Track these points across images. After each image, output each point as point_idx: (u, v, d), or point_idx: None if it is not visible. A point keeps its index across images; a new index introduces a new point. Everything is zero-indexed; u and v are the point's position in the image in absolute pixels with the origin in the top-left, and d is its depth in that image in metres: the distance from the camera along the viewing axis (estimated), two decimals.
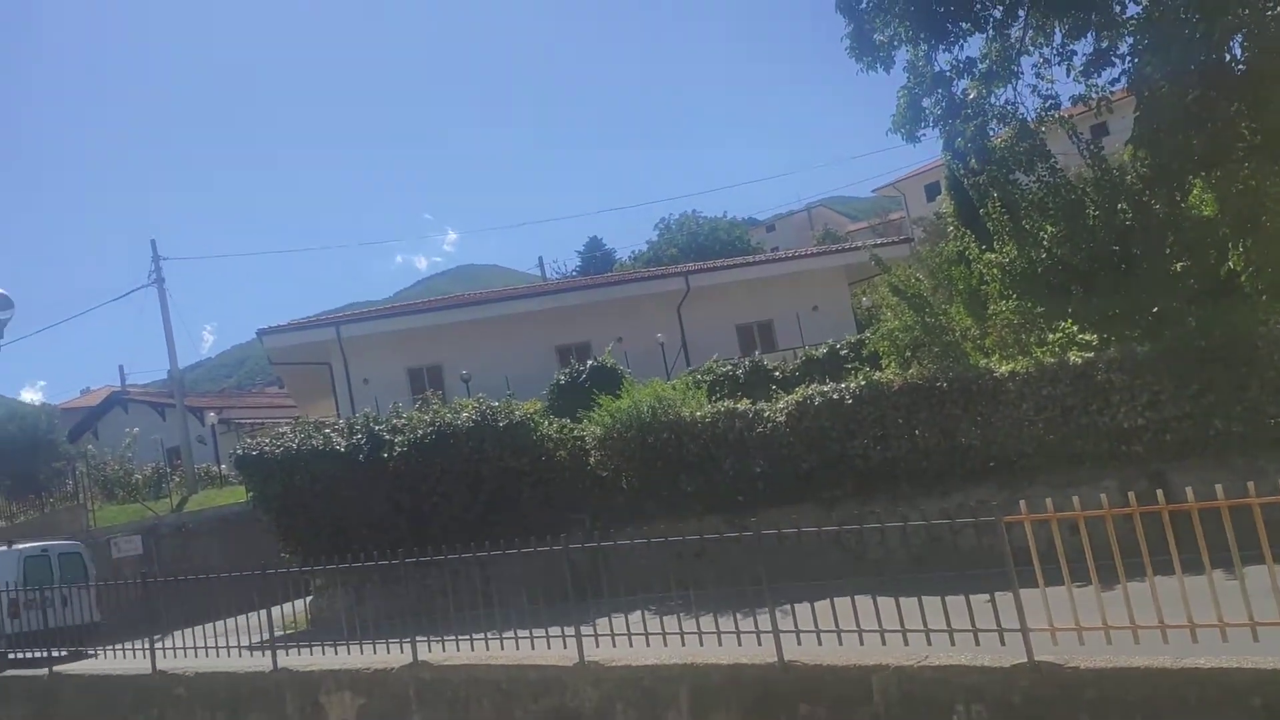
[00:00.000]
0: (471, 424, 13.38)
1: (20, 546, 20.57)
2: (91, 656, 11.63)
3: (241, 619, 10.11)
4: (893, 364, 12.81)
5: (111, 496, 28.54)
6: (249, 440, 15.26)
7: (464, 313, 28.65)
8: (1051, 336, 11.64)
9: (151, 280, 31.62)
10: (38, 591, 13.35)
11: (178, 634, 10.44)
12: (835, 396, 11.99)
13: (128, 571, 18.60)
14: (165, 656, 10.23)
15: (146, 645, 10.30)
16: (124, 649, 10.79)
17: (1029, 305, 12.12)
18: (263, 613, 9.96)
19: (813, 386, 12.49)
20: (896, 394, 11.70)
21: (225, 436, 40.37)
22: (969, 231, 13.54)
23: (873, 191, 66.66)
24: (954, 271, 13.27)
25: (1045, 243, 12.48)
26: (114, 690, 10.42)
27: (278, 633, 10.02)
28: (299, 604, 13.39)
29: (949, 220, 14.50)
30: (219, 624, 10.23)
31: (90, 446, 38.35)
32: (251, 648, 9.88)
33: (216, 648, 9.99)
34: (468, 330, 27.42)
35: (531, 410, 14.18)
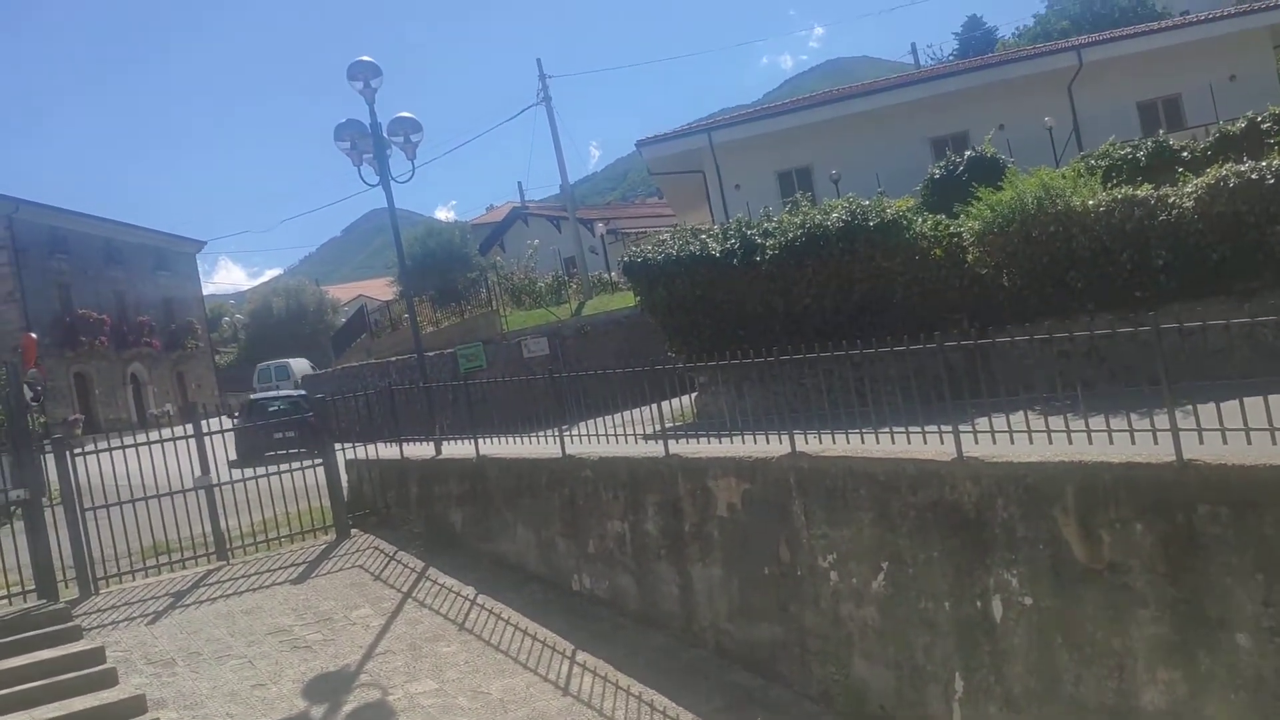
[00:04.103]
0: (841, 224, 13.25)
1: None
2: None
3: (634, 412, 10.97)
4: None
5: (519, 303, 31.51)
6: (634, 248, 16.16)
7: (831, 109, 28.02)
8: None
9: (540, 99, 33.53)
10: None
11: (580, 424, 11.60)
12: (1254, 176, 10.62)
13: (537, 369, 20.73)
14: (572, 443, 11.41)
15: (556, 433, 11.54)
16: (537, 436, 12.14)
17: None
18: (653, 406, 10.78)
19: (1227, 166, 11.11)
20: None
21: (613, 246, 42.99)
22: None
23: None
24: None
25: None
26: (531, 471, 11.82)
27: (667, 425, 10.84)
28: (684, 399, 14.29)
29: None
30: (615, 416, 11.18)
31: (498, 258, 42.43)
32: (645, 437, 10.74)
33: (615, 435, 10.98)
34: (836, 128, 26.87)
35: (904, 208, 13.78)
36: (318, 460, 13.99)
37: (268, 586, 11.91)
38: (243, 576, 12.36)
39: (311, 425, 14.91)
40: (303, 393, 26.79)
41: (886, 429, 8.28)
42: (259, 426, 19.69)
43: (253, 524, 13.85)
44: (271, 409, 23.50)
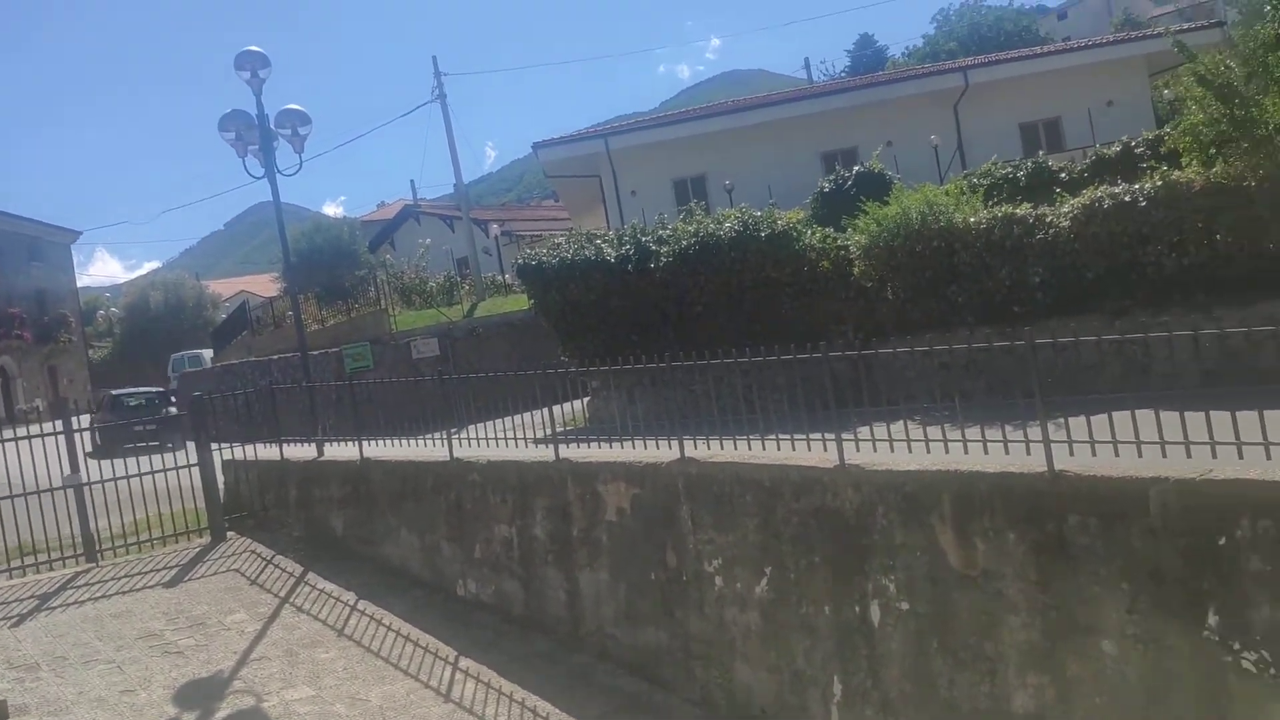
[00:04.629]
0: (733, 234, 13.42)
1: None
2: None
3: (525, 416, 10.89)
4: (1194, 162, 11.65)
5: (409, 303, 30.97)
6: (529, 251, 16.08)
7: (726, 120, 28.37)
8: None
9: (434, 97, 33.19)
10: None
11: (469, 427, 11.46)
12: (1127, 199, 11.11)
13: (426, 370, 20.44)
14: (460, 446, 11.27)
15: (444, 436, 11.37)
16: (424, 439, 11.95)
17: None
18: (544, 410, 10.72)
19: (1102, 188, 11.61)
20: (1197, 195, 10.69)
21: (508, 247, 42.66)
22: None
23: None
24: (1269, 57, 11.67)
25: None
26: (416, 474, 11.62)
27: (558, 429, 10.78)
28: (576, 404, 14.26)
29: None
30: (506, 420, 11.08)
31: (388, 256, 41.73)
32: (536, 441, 10.66)
33: (505, 439, 10.88)
34: (730, 138, 27.22)
35: (794, 220, 14.04)
36: (193, 461, 13.52)
37: (139, 590, 11.46)
38: (112, 579, 11.88)
39: (171, 420, 14.99)
40: (161, 389, 30.84)
41: (773, 436, 8.39)
42: (120, 421, 21.45)
43: (124, 525, 13.31)
44: (131, 404, 26.38)
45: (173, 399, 29.29)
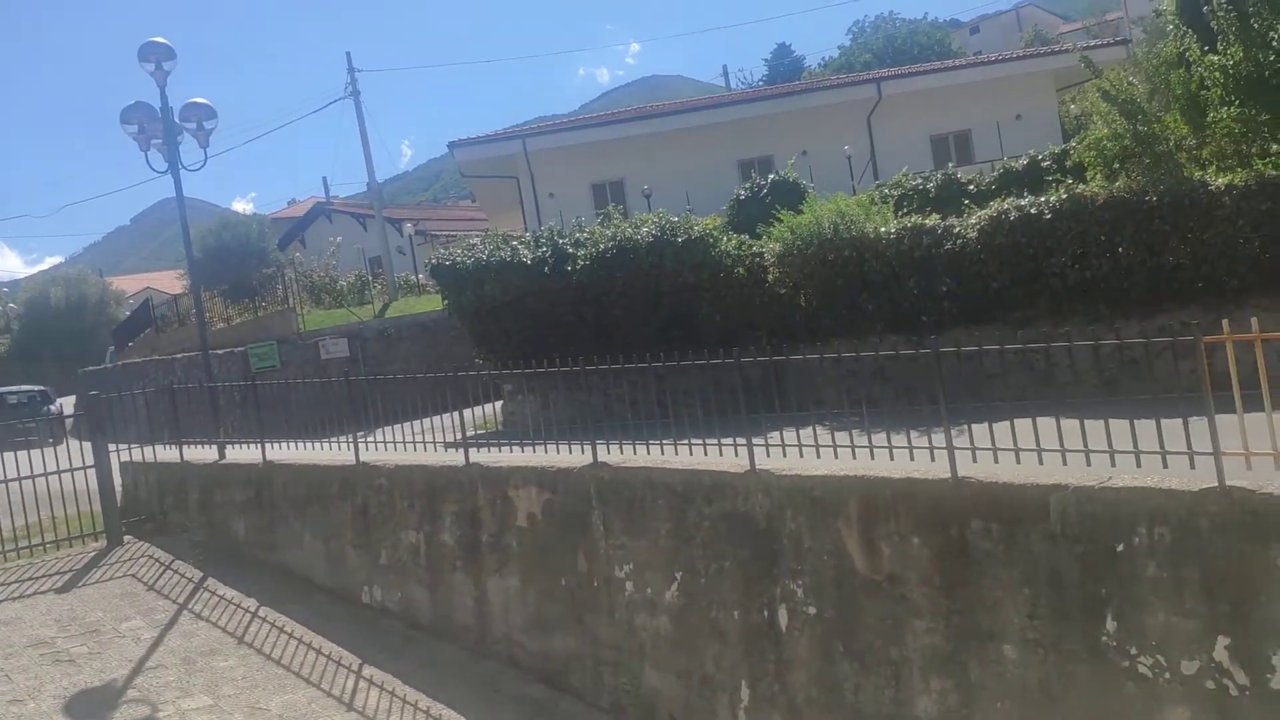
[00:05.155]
0: (651, 239, 13.43)
1: None
2: None
3: (437, 419, 10.72)
4: (1098, 176, 11.99)
5: (319, 302, 30.31)
6: (443, 250, 15.86)
7: (645, 125, 28.43)
8: (1276, 147, 10.55)
9: (348, 93, 32.61)
10: None
11: (379, 430, 11.24)
12: (1033, 211, 11.37)
13: (335, 371, 20.01)
14: (368, 449, 11.04)
15: (351, 439, 11.13)
16: (331, 442, 11.69)
17: (1253, 112, 10.97)
18: (457, 413, 10.55)
19: (1008, 201, 11.87)
20: (1100, 209, 10.99)
21: (422, 247, 42.10)
22: (1190, 31, 12.24)
23: None
24: (1171, 76, 12.11)
25: (1275, 43, 11.15)
26: (322, 478, 11.35)
27: (470, 432, 10.63)
28: (490, 407, 14.10)
29: (1169, 18, 13.14)
30: (416, 423, 10.89)
31: (298, 255, 40.83)
32: (446, 445, 10.50)
33: (414, 443, 10.69)
34: (649, 144, 27.27)
35: (711, 226, 14.10)
36: (89, 462, 13.02)
37: (29, 595, 11.02)
38: (0, 585, 11.39)
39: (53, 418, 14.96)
40: (43, 388, 31.49)
41: (686, 441, 8.38)
42: None
43: (14, 529, 12.78)
44: (11, 402, 27.73)
45: (54, 398, 30.23)
